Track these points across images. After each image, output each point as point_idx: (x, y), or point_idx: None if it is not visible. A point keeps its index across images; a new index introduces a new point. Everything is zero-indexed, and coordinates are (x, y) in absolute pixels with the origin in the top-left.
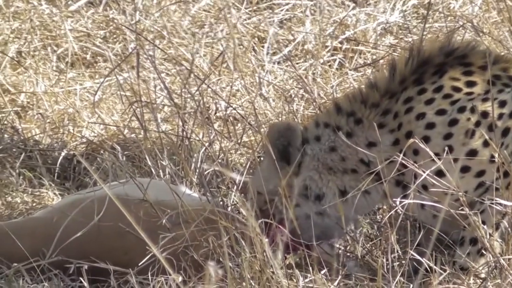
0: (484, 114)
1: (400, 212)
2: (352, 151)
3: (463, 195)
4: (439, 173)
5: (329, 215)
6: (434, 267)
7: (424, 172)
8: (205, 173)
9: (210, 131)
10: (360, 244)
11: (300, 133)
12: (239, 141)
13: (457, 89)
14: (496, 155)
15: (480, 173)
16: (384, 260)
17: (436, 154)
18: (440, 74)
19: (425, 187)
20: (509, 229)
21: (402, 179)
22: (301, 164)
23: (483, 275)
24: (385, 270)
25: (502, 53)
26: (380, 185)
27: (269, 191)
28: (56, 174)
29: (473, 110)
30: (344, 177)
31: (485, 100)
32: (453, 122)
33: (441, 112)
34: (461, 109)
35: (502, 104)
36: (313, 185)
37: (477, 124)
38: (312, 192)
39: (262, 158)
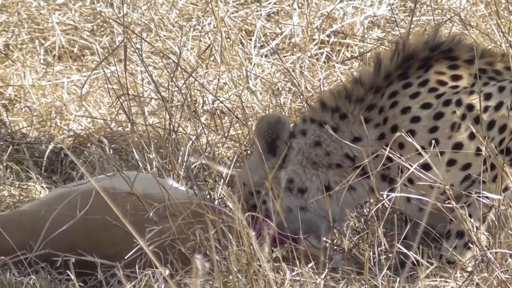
0: (470, 107)
1: (387, 206)
2: (337, 145)
3: (449, 189)
4: (425, 167)
5: (312, 209)
6: (421, 260)
7: (410, 165)
8: (192, 166)
9: (197, 124)
10: (347, 238)
11: (289, 127)
12: (226, 135)
13: (443, 83)
14: (483, 148)
15: (466, 166)
16: (371, 253)
17: (422, 148)
18: (425, 68)
19: (411, 180)
20: (495, 222)
21: (388, 173)
22: (287, 158)
23: (469, 269)
24: (372, 263)
25: (489, 47)
26: (366, 180)
27: (254, 183)
28: (43, 167)
29: (458, 103)
30: (328, 172)
31: (470, 93)
32: (439, 116)
33: (426, 106)
34: (447, 103)
35: (488, 97)
36: (296, 179)
37: (463, 117)
38: (295, 186)
39: (249, 152)
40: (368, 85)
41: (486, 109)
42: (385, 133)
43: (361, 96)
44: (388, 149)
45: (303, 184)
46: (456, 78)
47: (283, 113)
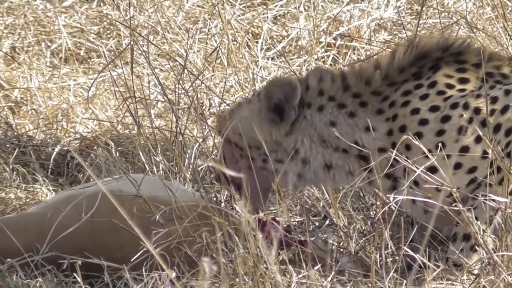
0: (477, 111)
1: (394, 208)
2: (350, 131)
3: (456, 192)
4: (432, 169)
5: (308, 180)
6: (428, 263)
7: (417, 168)
8: (199, 169)
9: (203, 127)
10: (353, 240)
11: (299, 93)
12: None
13: (450, 86)
14: (490, 151)
15: (472, 169)
16: (378, 256)
17: (429, 151)
18: (434, 69)
19: (416, 183)
20: (502, 225)
21: (392, 172)
22: (295, 125)
23: (476, 271)
24: (379, 266)
25: (496, 50)
26: (366, 171)
27: (252, 138)
28: (49, 170)
29: (465, 106)
30: (334, 154)
31: (477, 96)
32: (446, 119)
33: (434, 109)
34: (454, 106)
35: (494, 100)
36: (302, 150)
37: (470, 120)
38: (299, 156)
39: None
40: (385, 73)
41: (492, 112)
42: (393, 130)
43: (378, 86)
44: (394, 151)
45: (307, 158)
46: (463, 81)
47: None
